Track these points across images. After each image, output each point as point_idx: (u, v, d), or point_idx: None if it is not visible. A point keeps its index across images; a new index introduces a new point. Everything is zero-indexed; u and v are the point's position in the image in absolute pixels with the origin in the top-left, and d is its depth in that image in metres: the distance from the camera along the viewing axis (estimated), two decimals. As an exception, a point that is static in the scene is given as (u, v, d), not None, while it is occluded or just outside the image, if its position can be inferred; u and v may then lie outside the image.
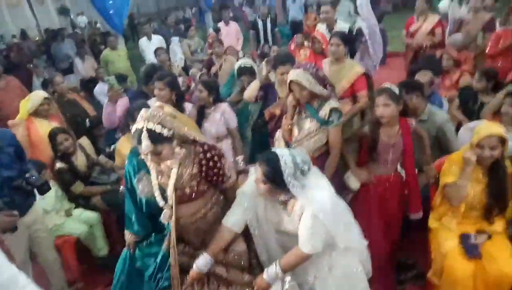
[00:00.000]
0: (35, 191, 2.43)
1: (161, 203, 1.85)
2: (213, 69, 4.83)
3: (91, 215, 3.09)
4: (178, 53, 6.35)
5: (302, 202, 1.78)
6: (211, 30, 6.86)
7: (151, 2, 21.49)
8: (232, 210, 1.94)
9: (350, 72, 3.12)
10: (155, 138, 1.68)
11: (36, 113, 3.37)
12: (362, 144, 2.46)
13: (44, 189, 2.42)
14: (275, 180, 1.75)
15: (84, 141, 3.48)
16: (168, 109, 1.84)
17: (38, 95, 3.45)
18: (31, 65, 8.04)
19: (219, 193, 2.02)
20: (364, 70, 3.20)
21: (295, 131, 2.53)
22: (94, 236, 3.05)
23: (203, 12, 9.69)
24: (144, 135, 1.66)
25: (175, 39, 6.61)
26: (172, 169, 1.82)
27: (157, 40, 6.41)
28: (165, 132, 1.70)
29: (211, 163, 1.86)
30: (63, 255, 2.75)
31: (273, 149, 1.86)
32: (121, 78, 4.84)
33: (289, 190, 1.77)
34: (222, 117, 3.06)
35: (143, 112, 1.73)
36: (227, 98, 3.52)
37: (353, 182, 2.45)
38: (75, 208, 3.15)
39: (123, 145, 2.98)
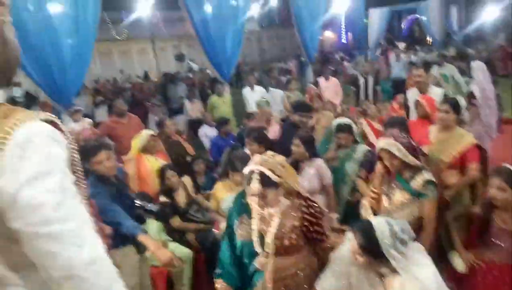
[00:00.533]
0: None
1: (257, 249, 1.90)
2: (310, 123, 4.93)
3: (185, 251, 3.24)
4: (278, 104, 6.63)
5: (403, 279, 1.65)
6: (310, 85, 7.08)
7: (256, 53, 23.14)
8: (326, 274, 1.90)
9: (460, 141, 2.91)
10: (265, 182, 1.81)
11: (145, 149, 3.79)
12: (472, 224, 2.24)
13: (161, 216, 2.69)
14: (373, 252, 1.68)
15: (186, 179, 3.77)
16: (280, 158, 1.95)
17: (146, 133, 3.87)
18: (149, 103, 9.15)
19: (313, 255, 2.00)
20: (477, 141, 2.96)
21: (384, 201, 2.43)
22: (182, 272, 3.18)
23: (304, 65, 10.10)
24: (255, 177, 1.80)
25: (276, 91, 6.95)
26: (273, 217, 1.89)
27: (259, 91, 6.82)
28: (275, 178, 1.82)
29: (313, 219, 1.90)
30: (155, 284, 2.93)
31: (367, 218, 1.80)
32: (224, 121, 5.23)
33: (388, 262, 1.67)
34: (316, 172, 3.05)
35: (256, 157, 1.89)
36: (323, 154, 3.53)
37: (459, 264, 2.22)
38: (170, 241, 3.36)
39: (219, 190, 3.11)
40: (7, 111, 0.78)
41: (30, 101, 7.06)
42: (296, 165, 3.09)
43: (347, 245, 1.85)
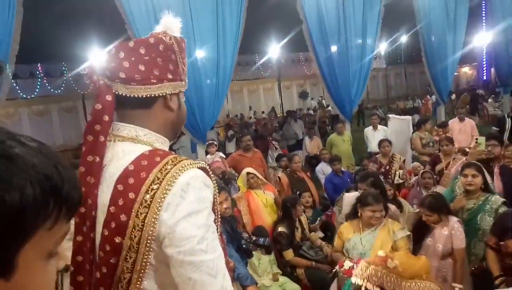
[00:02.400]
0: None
1: None
2: (438, 167, 4.55)
3: (294, 287, 3.28)
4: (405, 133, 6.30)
5: None
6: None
7: (381, 90, 22.45)
8: None
9: None
10: None
11: (251, 186, 4.04)
12: None
13: (270, 249, 2.82)
14: None
15: (303, 217, 3.84)
16: (392, 263, 1.82)
17: (244, 172, 4.15)
18: (270, 138, 9.65)
19: None
20: None
21: None
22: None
23: (436, 104, 9.38)
24: None
25: (402, 120, 6.61)
26: None
27: (382, 130, 6.59)
28: None
29: None
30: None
31: None
32: (335, 159, 5.24)
33: None
34: (449, 233, 2.70)
35: (364, 269, 1.83)
36: (450, 201, 3.09)
37: None
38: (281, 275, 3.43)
39: (346, 230, 2.97)
40: (174, 160, 0.99)
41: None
42: (427, 226, 2.83)
43: None
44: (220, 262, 0.97)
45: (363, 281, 1.76)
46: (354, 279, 1.82)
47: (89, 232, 1.01)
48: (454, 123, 6.38)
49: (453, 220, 2.71)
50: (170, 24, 1.08)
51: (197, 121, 5.55)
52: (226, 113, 16.92)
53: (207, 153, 5.74)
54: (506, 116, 6.28)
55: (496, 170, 3.55)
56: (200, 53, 5.47)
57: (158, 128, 1.07)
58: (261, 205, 3.93)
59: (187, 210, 0.94)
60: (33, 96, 13.24)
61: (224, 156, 5.96)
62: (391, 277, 1.75)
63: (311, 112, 16.40)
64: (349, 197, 3.29)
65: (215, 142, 6.03)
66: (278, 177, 4.91)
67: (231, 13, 5.35)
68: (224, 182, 4.23)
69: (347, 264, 2.55)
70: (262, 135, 10.04)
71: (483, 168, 3.06)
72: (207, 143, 5.72)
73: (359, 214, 2.81)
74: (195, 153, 5.43)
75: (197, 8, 5.01)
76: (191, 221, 0.93)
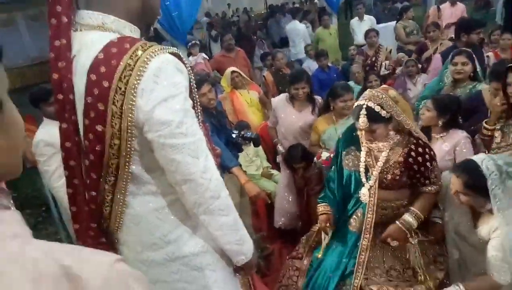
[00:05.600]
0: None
1: (363, 180, 1.98)
2: (425, 55, 4.50)
3: (283, 178, 3.47)
4: (390, 35, 6.11)
5: (499, 220, 1.57)
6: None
7: (370, -23, 20.93)
8: None
9: None
10: (373, 116, 1.82)
11: (235, 86, 3.98)
12: None
13: (258, 141, 2.92)
14: (478, 188, 1.61)
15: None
16: (393, 92, 1.91)
17: (228, 71, 4.04)
18: (255, 37, 9.27)
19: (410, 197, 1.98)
20: None
21: (497, 137, 2.19)
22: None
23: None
24: (363, 112, 1.82)
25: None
26: (382, 151, 1.93)
27: (369, 21, 6.32)
28: (383, 113, 1.81)
29: (419, 159, 1.87)
30: (257, 205, 3.26)
31: (468, 157, 1.74)
32: (322, 54, 5.09)
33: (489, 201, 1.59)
34: (452, 148, 2.29)
35: (367, 92, 1.89)
36: (436, 92, 2.98)
37: None
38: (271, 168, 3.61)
39: (320, 124, 3.00)
40: (144, 45, 0.96)
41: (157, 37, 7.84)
42: (427, 133, 2.37)
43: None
44: (201, 144, 1.01)
45: (365, 100, 1.84)
46: (356, 103, 1.91)
47: (70, 116, 1.03)
48: (445, 8, 6.13)
49: (459, 134, 2.31)
50: None
51: (174, 21, 5.24)
52: (205, 12, 15.90)
53: (189, 54, 5.54)
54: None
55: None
56: None
57: (122, 16, 1.02)
58: (245, 105, 3.94)
59: (162, 95, 0.94)
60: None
61: (207, 58, 5.77)
62: (392, 102, 1.85)
63: (297, 5, 15.48)
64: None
65: (197, 42, 5.77)
66: (264, 76, 4.82)
67: None
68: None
69: (325, 154, 2.67)
70: (246, 34, 9.61)
71: (474, 57, 2.84)
72: (189, 44, 5.49)
73: (331, 107, 2.83)
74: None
75: None
76: (167, 106, 0.95)
